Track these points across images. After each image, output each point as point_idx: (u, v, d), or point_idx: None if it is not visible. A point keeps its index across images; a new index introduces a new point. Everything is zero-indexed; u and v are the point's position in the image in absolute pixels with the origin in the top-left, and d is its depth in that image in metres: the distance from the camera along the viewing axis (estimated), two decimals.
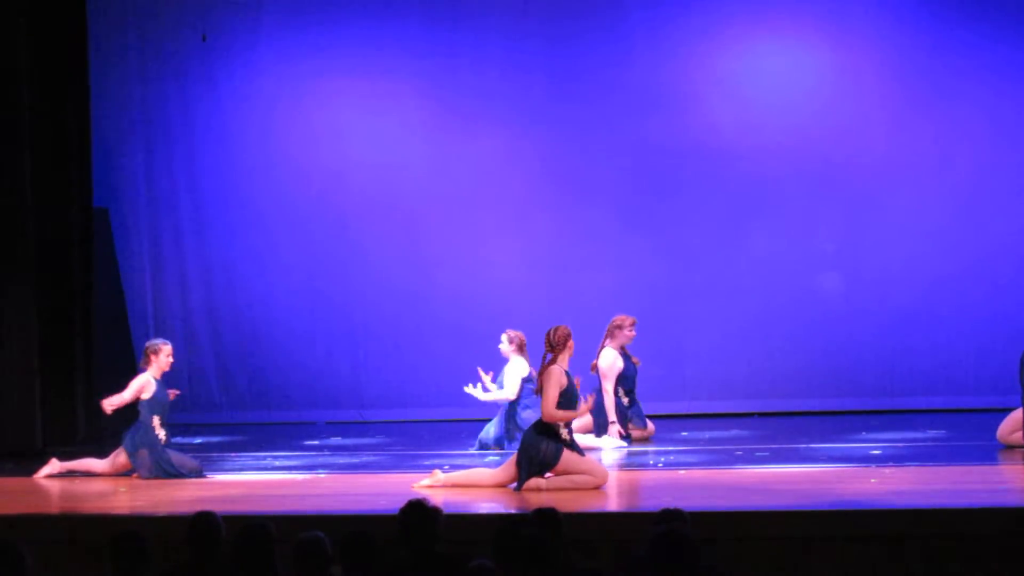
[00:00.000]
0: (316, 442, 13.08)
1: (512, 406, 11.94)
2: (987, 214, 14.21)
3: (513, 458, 9.78)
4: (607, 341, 12.27)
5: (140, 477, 10.71)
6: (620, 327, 12.27)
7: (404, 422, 14.15)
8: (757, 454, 11.34)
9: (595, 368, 12.17)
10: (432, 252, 14.77)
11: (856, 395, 14.30)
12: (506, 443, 11.84)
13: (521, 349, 12.08)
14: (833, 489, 9.28)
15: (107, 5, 14.58)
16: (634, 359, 12.34)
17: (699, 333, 14.23)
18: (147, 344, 11.02)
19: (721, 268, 14.48)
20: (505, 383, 11.98)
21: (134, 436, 10.79)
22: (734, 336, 14.36)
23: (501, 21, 14.64)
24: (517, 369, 11.98)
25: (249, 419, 14.61)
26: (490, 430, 12.06)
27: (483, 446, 11.97)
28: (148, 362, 10.85)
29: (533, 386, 11.98)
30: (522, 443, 9.79)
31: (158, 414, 10.76)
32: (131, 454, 10.78)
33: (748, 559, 7.93)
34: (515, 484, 9.68)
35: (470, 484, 9.89)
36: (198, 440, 12.97)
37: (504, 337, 12.15)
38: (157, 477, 10.63)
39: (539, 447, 9.62)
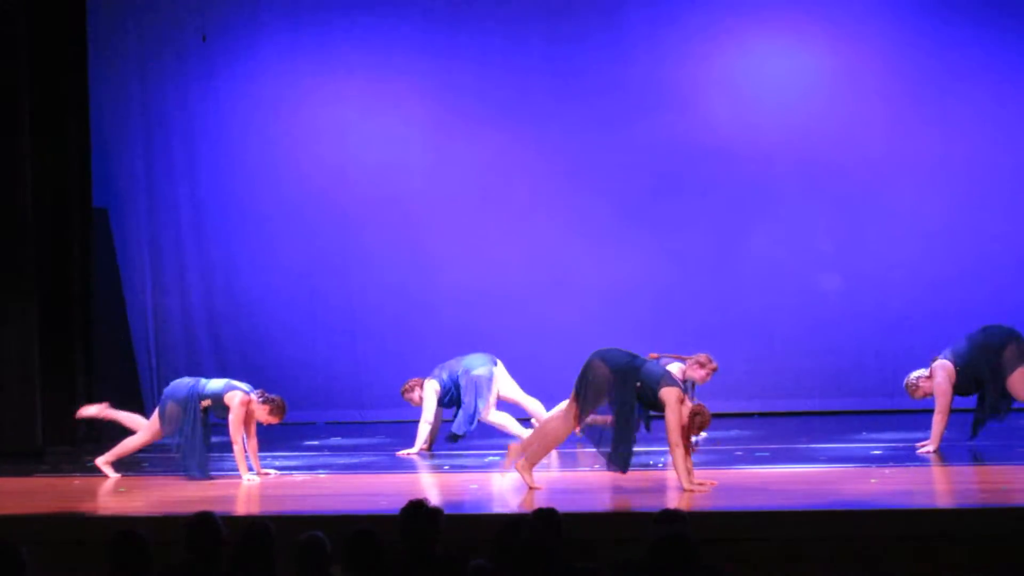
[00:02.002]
0: (316, 442, 13.08)
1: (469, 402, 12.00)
2: (987, 214, 14.21)
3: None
4: (677, 362, 11.91)
5: (163, 433, 10.65)
6: (702, 365, 12.00)
7: (404, 422, 14.13)
8: (757, 454, 11.33)
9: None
10: (433, 252, 14.77)
11: (856, 395, 14.30)
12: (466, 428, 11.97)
13: (420, 387, 12.10)
14: (833, 489, 9.27)
15: (107, 5, 14.58)
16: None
17: (699, 333, 14.19)
18: (281, 404, 10.78)
19: (721, 268, 14.48)
20: (424, 408, 12.03)
21: (175, 390, 10.75)
22: (734, 336, 14.35)
23: (502, 21, 14.65)
24: (429, 392, 12.01)
25: None
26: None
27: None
28: (265, 405, 10.64)
29: (474, 383, 11.99)
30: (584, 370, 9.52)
31: (207, 405, 10.67)
32: (162, 401, 10.74)
33: (748, 559, 7.92)
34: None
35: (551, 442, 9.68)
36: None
37: (407, 396, 12.18)
38: (178, 439, 10.60)
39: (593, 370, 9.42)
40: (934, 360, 11.17)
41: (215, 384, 10.75)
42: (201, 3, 14.86)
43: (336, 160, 14.84)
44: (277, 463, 11.19)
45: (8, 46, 12.66)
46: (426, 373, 12.24)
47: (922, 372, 11.22)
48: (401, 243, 14.82)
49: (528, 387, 12.52)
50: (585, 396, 9.41)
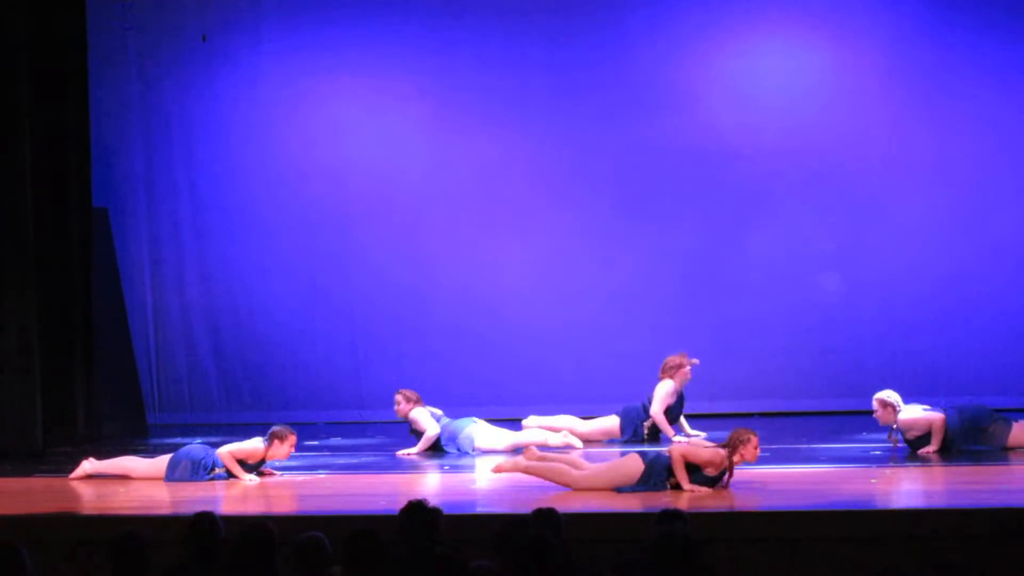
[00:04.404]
0: (316, 442, 13.07)
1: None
2: (988, 214, 14.19)
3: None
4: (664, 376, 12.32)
5: (165, 478, 10.61)
6: (680, 366, 12.30)
7: (404, 422, 14.14)
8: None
9: None
10: (433, 251, 14.77)
11: (856, 395, 14.25)
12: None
13: (419, 403, 12.11)
14: (833, 489, 9.28)
15: (107, 5, 14.58)
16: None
17: (699, 333, 14.20)
18: (279, 429, 10.69)
19: (721, 268, 14.47)
20: (425, 426, 12.02)
21: (192, 452, 10.65)
22: (734, 336, 14.35)
23: (502, 19, 14.65)
24: (425, 414, 12.04)
25: (249, 419, 14.57)
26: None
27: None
28: (272, 443, 10.57)
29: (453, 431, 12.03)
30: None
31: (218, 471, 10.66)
32: (177, 456, 10.63)
33: (748, 559, 7.93)
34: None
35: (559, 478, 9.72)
36: (198, 440, 12.95)
37: (399, 398, 12.17)
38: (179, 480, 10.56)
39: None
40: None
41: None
42: (201, 3, 14.86)
43: (336, 159, 14.84)
44: (278, 463, 11.17)
45: (8, 46, 12.66)
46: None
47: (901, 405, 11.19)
48: (401, 242, 14.81)
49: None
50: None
